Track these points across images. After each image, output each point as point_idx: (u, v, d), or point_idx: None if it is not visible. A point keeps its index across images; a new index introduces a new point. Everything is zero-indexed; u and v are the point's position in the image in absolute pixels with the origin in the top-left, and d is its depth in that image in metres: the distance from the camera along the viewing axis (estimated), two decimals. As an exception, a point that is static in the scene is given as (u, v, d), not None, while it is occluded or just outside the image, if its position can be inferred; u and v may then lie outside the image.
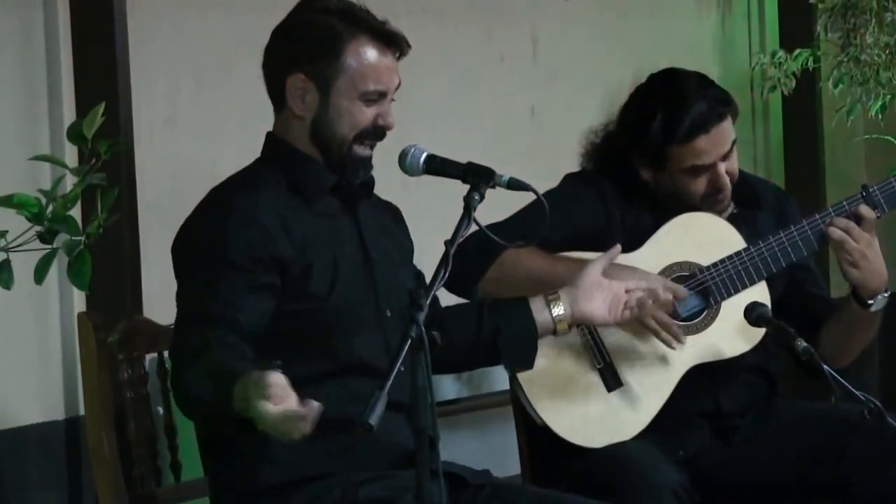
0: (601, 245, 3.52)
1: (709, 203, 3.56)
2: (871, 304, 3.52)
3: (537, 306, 3.23)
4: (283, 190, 3.07)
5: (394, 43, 3.09)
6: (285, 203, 3.06)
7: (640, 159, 3.56)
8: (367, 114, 3.08)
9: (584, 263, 3.36)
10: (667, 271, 3.53)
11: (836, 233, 3.48)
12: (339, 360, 3.05)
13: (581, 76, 5.51)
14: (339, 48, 3.05)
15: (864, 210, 3.49)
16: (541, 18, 5.45)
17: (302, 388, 2.75)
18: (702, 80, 3.57)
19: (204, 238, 3.03)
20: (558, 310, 3.22)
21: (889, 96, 5.50)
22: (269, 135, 3.16)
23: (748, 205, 3.67)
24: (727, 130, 3.52)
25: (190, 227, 3.08)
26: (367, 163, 3.11)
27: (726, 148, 3.52)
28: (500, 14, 5.33)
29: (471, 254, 3.36)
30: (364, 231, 3.15)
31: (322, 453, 3.00)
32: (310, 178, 3.09)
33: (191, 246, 3.06)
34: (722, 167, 3.52)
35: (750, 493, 3.59)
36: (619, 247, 3.30)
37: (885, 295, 3.54)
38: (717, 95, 3.53)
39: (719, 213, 3.57)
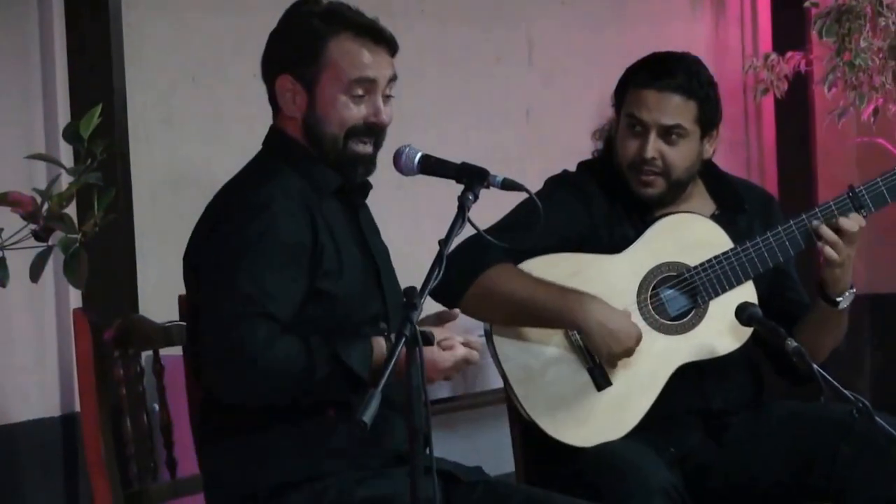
0: (586, 246, 3.55)
1: (633, 175, 3.58)
2: (840, 302, 3.55)
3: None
4: (298, 181, 3.09)
5: (381, 38, 3.10)
6: (306, 195, 3.07)
7: (613, 105, 3.64)
8: (354, 111, 3.09)
9: (560, 290, 3.42)
10: (654, 271, 3.55)
11: (829, 235, 3.51)
12: None
13: (576, 79, 5.53)
14: (321, 46, 3.08)
15: (846, 224, 3.52)
16: (536, 21, 5.47)
17: None
18: (692, 68, 3.61)
19: (245, 234, 2.99)
20: None
21: (882, 100, 5.54)
22: (273, 128, 3.18)
23: (730, 206, 3.69)
24: (675, 107, 3.55)
25: (227, 225, 3.03)
26: (366, 160, 3.12)
27: (666, 118, 3.55)
28: (496, 17, 5.35)
29: (455, 268, 3.37)
30: (367, 235, 3.18)
31: (319, 453, 3.03)
32: (316, 179, 3.11)
33: (232, 244, 3.00)
34: (654, 139, 3.56)
35: (742, 494, 3.59)
36: (456, 312, 3.19)
37: (852, 291, 3.57)
38: (686, 83, 3.56)
39: (642, 195, 3.59)
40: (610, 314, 3.45)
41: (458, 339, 3.06)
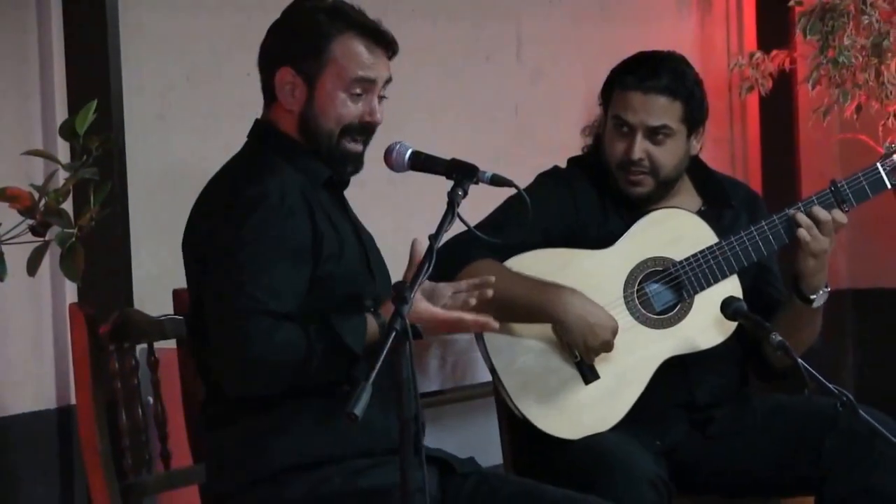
0: (574, 241, 3.60)
1: (622, 175, 3.63)
2: (814, 300, 3.58)
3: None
4: (293, 173, 3.12)
5: (382, 40, 3.16)
6: (302, 186, 3.11)
7: (601, 104, 3.68)
8: (351, 109, 3.14)
9: (539, 284, 3.46)
10: (641, 266, 3.60)
11: (804, 220, 3.55)
12: None
13: (564, 76, 5.56)
14: (326, 43, 3.13)
15: (821, 213, 3.56)
16: (525, 19, 5.49)
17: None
18: (677, 68, 3.65)
19: (246, 230, 3.02)
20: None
21: (865, 97, 5.57)
22: (258, 122, 3.22)
23: (716, 202, 3.73)
24: (661, 108, 3.60)
25: (228, 221, 3.05)
26: (356, 158, 3.17)
27: (652, 120, 3.59)
28: (485, 14, 5.37)
29: (438, 264, 3.41)
30: (357, 225, 3.23)
31: (320, 440, 3.07)
32: (309, 170, 3.15)
33: (235, 240, 3.03)
34: (641, 140, 3.60)
35: (727, 485, 3.65)
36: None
37: (827, 290, 3.60)
38: (671, 84, 3.60)
39: (631, 194, 3.64)
40: (589, 307, 3.48)
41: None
